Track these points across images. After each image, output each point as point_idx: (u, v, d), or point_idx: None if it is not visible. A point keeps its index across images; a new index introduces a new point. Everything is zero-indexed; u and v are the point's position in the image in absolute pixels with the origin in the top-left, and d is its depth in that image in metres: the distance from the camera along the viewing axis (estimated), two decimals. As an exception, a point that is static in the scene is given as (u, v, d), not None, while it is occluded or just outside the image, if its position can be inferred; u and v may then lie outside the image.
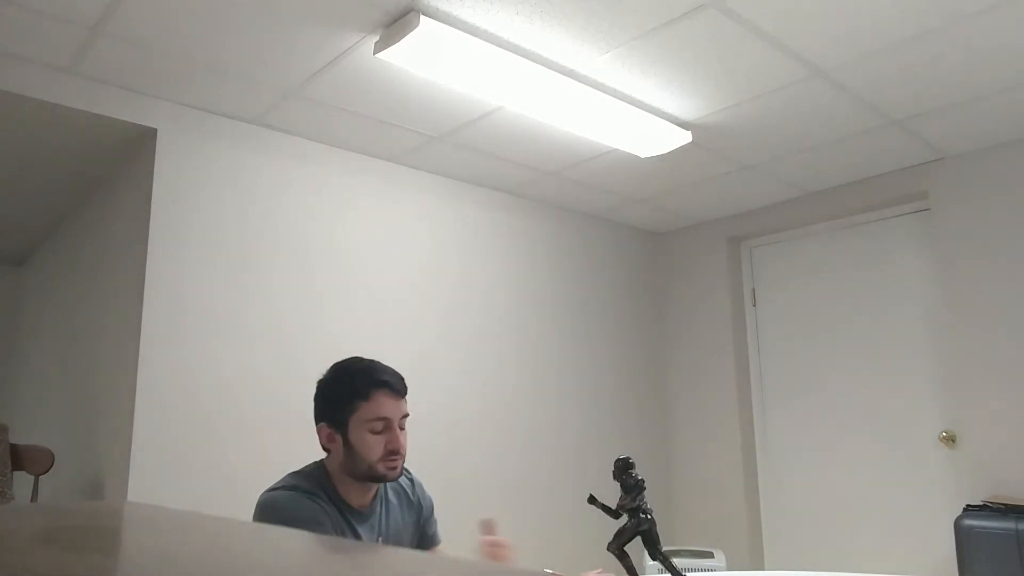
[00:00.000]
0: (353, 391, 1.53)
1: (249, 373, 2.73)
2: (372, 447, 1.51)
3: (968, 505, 2.86)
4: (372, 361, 1.59)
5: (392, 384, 1.55)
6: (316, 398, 1.59)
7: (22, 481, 3.14)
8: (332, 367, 1.61)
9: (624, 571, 1.53)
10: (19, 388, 4.55)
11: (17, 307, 4.92)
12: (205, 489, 2.56)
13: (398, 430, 1.54)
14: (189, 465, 2.54)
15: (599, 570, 1.58)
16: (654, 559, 1.52)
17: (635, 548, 1.49)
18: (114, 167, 3.06)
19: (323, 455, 1.62)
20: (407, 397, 1.59)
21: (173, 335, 2.58)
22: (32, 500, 2.68)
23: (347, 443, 1.52)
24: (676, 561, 1.61)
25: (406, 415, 1.57)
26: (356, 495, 1.56)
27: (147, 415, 2.49)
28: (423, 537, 1.72)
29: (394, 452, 1.52)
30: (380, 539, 1.60)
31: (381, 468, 1.51)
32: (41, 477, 2.72)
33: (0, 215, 3.81)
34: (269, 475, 1.59)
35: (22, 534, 0.45)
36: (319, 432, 1.56)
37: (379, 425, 1.52)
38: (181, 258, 2.64)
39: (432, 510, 1.75)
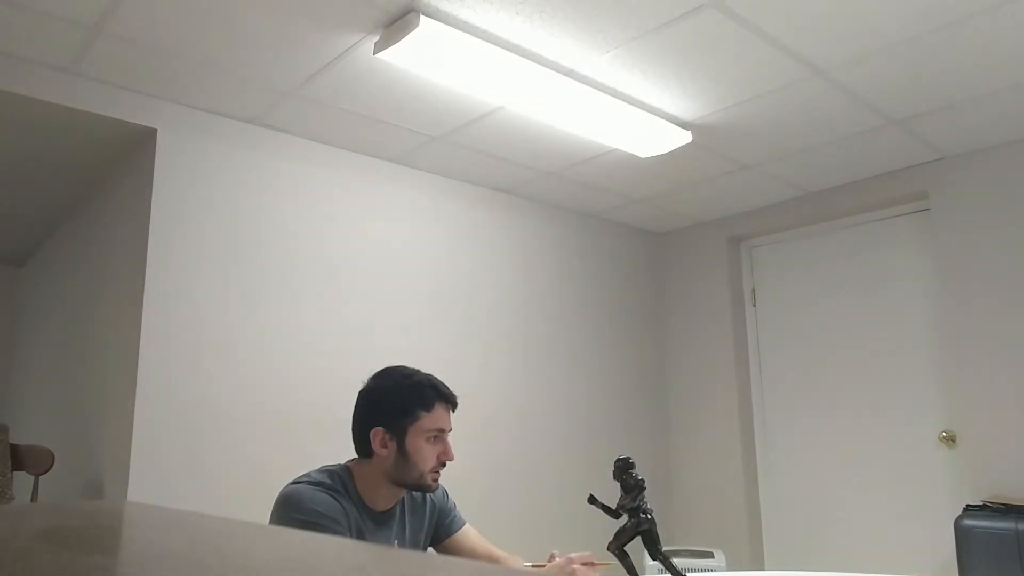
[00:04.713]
0: (417, 401, 1.59)
1: (248, 373, 2.73)
2: (427, 457, 1.57)
3: (968, 505, 2.86)
4: (429, 374, 1.65)
5: (451, 399, 1.63)
6: (370, 404, 1.62)
7: (22, 481, 3.14)
8: (384, 375, 1.65)
9: (624, 571, 1.53)
10: (19, 388, 4.55)
11: (17, 307, 4.92)
12: (205, 489, 2.56)
13: (449, 443, 1.62)
14: (189, 465, 2.54)
15: (588, 553, 1.57)
16: (654, 559, 1.52)
17: (635, 548, 1.49)
18: (114, 167, 3.06)
19: (329, 458, 1.65)
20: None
21: (173, 335, 2.58)
22: (32, 500, 2.68)
23: (402, 450, 1.57)
24: (676, 561, 1.61)
25: (451, 430, 1.64)
26: (381, 500, 1.60)
27: (147, 415, 2.49)
28: (440, 528, 1.73)
29: (443, 464, 1.59)
30: (396, 543, 1.62)
31: (429, 478, 1.58)
32: (41, 477, 2.72)
33: (0, 215, 3.81)
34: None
35: (22, 534, 0.45)
36: (372, 436, 1.58)
37: (435, 435, 1.59)
38: (181, 258, 2.64)
39: (445, 496, 1.77)
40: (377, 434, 1.58)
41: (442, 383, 1.64)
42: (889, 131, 3.00)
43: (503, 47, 2.29)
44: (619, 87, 2.58)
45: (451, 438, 1.64)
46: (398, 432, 1.57)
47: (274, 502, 1.51)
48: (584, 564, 1.54)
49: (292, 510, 1.47)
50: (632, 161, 3.26)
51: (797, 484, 3.78)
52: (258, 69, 2.46)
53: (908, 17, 2.18)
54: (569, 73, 2.47)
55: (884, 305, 3.56)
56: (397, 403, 1.59)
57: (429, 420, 1.57)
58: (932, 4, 2.12)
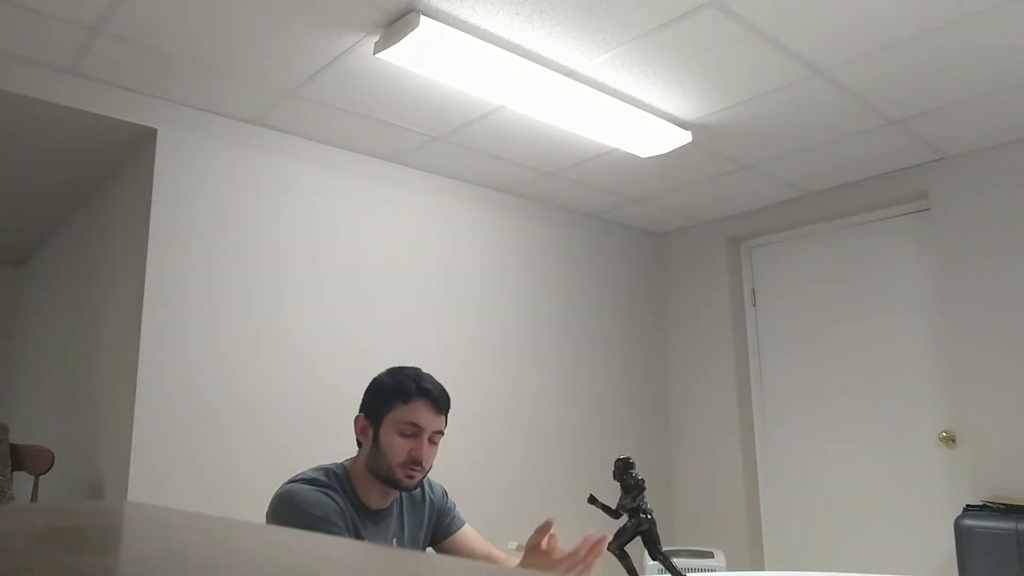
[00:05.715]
0: (396, 392, 1.59)
1: (249, 373, 2.73)
2: (397, 450, 1.55)
3: (968, 505, 2.86)
4: (427, 374, 1.65)
5: (434, 396, 1.60)
6: (365, 392, 1.66)
7: (22, 481, 3.14)
8: (388, 370, 1.67)
9: (624, 571, 1.52)
10: (19, 388, 4.55)
11: (17, 307, 4.92)
12: (206, 489, 2.56)
13: (426, 442, 1.58)
14: (189, 465, 2.54)
15: (602, 534, 1.51)
16: (654, 559, 1.51)
17: (635, 548, 1.49)
18: (114, 167, 3.06)
19: (330, 458, 1.66)
20: (446, 417, 1.63)
21: (173, 335, 2.58)
22: (32, 500, 2.68)
23: (376, 439, 1.58)
24: (676, 561, 1.61)
25: (440, 432, 1.61)
26: (375, 497, 1.60)
27: (147, 415, 2.49)
28: (439, 528, 1.73)
29: (415, 461, 1.56)
30: (395, 541, 1.61)
31: (399, 473, 1.55)
32: (41, 477, 2.72)
33: (0, 215, 3.81)
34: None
35: (22, 534, 0.45)
36: (355, 422, 1.63)
37: (409, 430, 1.56)
38: (181, 258, 2.64)
39: (445, 496, 1.77)
40: (358, 420, 1.62)
41: (433, 382, 1.62)
42: (889, 131, 2.99)
43: (503, 47, 2.29)
44: (619, 87, 2.58)
45: (443, 442, 1.63)
46: (375, 420, 1.59)
47: (270, 502, 1.51)
48: (590, 552, 1.46)
49: (288, 510, 1.47)
50: (632, 161, 3.26)
51: (797, 484, 3.78)
52: (258, 69, 2.46)
53: (908, 17, 2.18)
54: (569, 73, 2.47)
55: (884, 305, 3.56)
56: (380, 392, 1.61)
57: (404, 412, 1.56)
58: (931, 4, 2.12)
